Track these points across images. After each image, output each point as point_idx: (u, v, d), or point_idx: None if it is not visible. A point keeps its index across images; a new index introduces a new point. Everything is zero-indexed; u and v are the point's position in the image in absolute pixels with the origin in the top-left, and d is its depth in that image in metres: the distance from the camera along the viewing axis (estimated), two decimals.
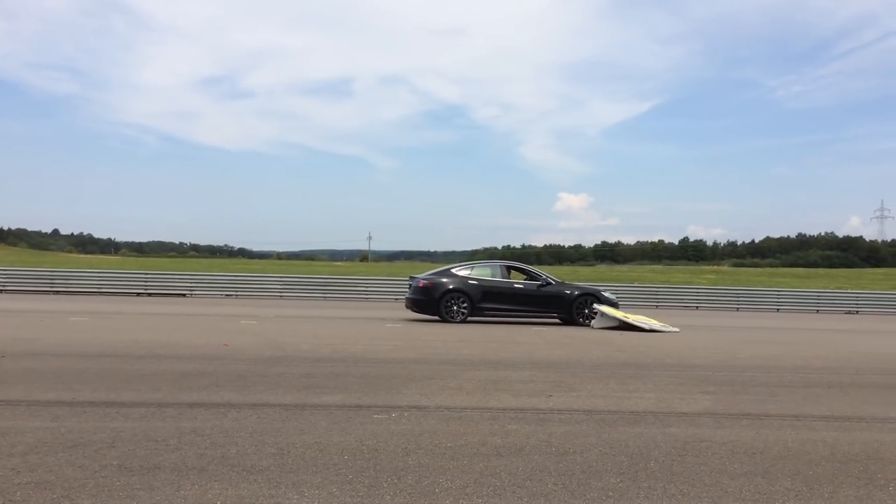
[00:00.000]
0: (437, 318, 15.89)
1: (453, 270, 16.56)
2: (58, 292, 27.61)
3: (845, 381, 8.04)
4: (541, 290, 16.25)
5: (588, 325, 15.70)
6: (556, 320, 16.57)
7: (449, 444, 4.54)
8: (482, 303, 15.88)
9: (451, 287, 15.85)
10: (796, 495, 3.71)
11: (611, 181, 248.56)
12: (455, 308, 15.76)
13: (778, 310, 30.97)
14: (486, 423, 5.21)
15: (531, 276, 16.94)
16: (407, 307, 16.79)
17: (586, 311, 16.01)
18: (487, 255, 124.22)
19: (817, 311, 31.03)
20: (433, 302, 15.88)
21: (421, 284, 16.23)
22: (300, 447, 4.35)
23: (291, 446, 4.37)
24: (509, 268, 16.98)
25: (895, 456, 4.60)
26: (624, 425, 5.28)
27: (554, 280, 16.70)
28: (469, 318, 15.82)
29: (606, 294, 16.75)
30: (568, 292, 16.29)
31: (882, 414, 6.11)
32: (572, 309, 16.06)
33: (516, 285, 16.38)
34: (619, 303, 17.38)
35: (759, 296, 33.35)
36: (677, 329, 15.44)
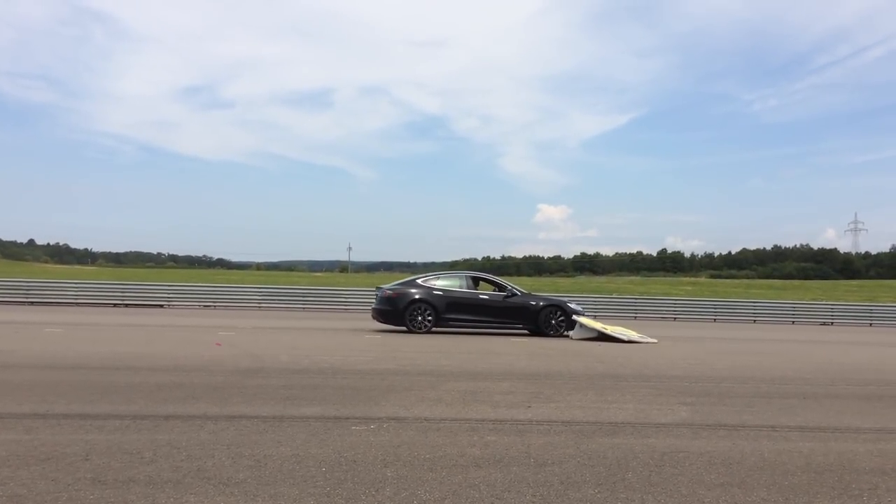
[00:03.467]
0: (403, 328, 15.83)
1: (419, 281, 16.55)
2: (33, 303, 27.24)
3: (820, 392, 8.12)
4: (506, 301, 16.22)
5: (553, 336, 15.73)
6: (525, 332, 16.52)
7: (427, 456, 4.53)
8: (447, 313, 15.88)
9: (415, 297, 15.84)
10: None
11: (590, 193, 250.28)
12: (420, 318, 15.72)
13: (754, 321, 31.27)
14: (465, 435, 5.21)
15: (498, 286, 16.93)
16: (373, 317, 16.71)
17: (553, 321, 16.01)
18: (467, 265, 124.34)
19: (793, 322, 31.37)
20: (398, 312, 15.86)
21: (386, 295, 16.23)
22: (277, 459, 4.32)
23: (269, 458, 4.33)
24: (476, 279, 16.98)
25: (870, 466, 4.65)
26: (602, 436, 5.29)
27: (520, 291, 16.67)
28: (434, 329, 15.78)
29: (572, 305, 16.69)
30: (533, 303, 16.26)
31: (856, 424, 6.18)
32: (538, 320, 16.04)
33: (482, 296, 16.36)
34: (598, 315, 17.46)
35: (736, 307, 33.66)
36: (655, 340, 15.53)
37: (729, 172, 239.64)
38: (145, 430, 5.03)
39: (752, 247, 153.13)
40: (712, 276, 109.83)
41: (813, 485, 4.15)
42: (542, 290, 44.31)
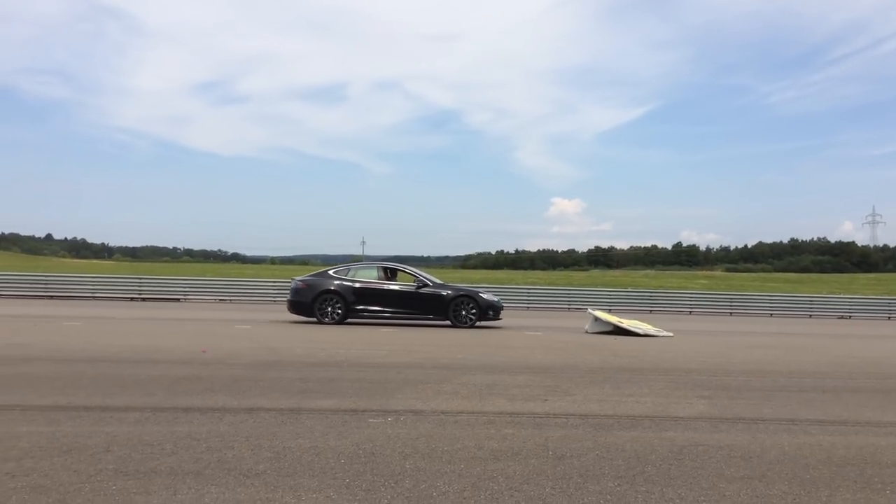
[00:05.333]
0: (313, 319, 15.83)
1: (331, 272, 16.55)
2: (52, 297, 27.49)
3: (839, 386, 8.06)
4: (418, 291, 16.13)
5: (464, 327, 15.66)
6: (447, 323, 16.18)
7: (446, 448, 4.53)
8: (356, 304, 15.88)
9: (324, 289, 15.86)
10: (793, 499, 3.72)
11: (604, 186, 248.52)
12: (329, 310, 15.74)
13: (771, 315, 31.05)
14: (483, 428, 5.21)
15: (414, 277, 16.72)
16: (287, 309, 16.71)
17: (463, 312, 15.91)
18: (480, 259, 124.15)
19: (810, 315, 31.12)
20: (308, 304, 15.91)
21: (296, 286, 16.31)
22: (296, 451, 4.34)
23: (288, 450, 4.35)
24: (392, 270, 16.89)
25: (891, 460, 4.61)
26: (620, 429, 5.28)
27: (432, 281, 16.55)
28: (346, 321, 15.82)
29: (485, 296, 16.53)
30: (444, 293, 16.13)
31: (877, 418, 6.13)
32: (448, 310, 15.94)
33: (392, 287, 16.25)
34: (612, 309, 17.30)
35: (753, 301, 33.42)
36: (671, 334, 15.46)
37: (745, 165, 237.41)
38: (165, 422, 5.07)
39: (769, 240, 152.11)
40: (728, 270, 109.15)
41: (834, 478, 4.12)
42: (556, 283, 44.27)
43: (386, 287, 16.15)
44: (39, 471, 3.80)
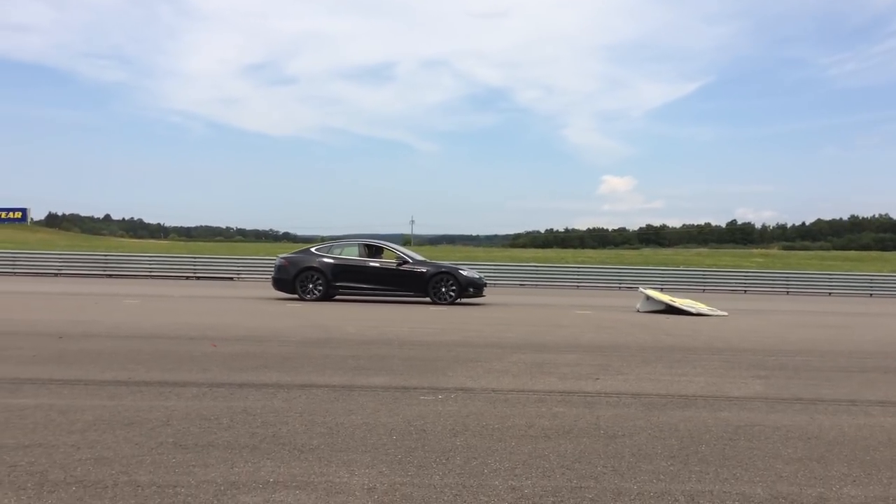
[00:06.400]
0: (295, 296, 16.04)
1: (313, 249, 16.73)
2: (111, 276, 28.33)
3: None
4: (398, 268, 16.21)
5: (442, 304, 15.69)
6: (428, 300, 16.23)
7: (496, 426, 4.54)
8: (337, 281, 16.04)
9: (306, 266, 16.04)
10: (853, 481, 3.63)
11: (656, 163, 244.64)
12: (310, 286, 15.95)
13: (829, 294, 30.25)
14: (533, 406, 5.20)
15: (396, 254, 16.77)
16: (272, 286, 16.89)
17: (442, 289, 15.97)
18: (529, 238, 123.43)
19: (871, 294, 30.23)
20: (290, 280, 16.13)
21: (279, 263, 16.54)
22: (349, 427, 4.40)
23: (340, 426, 4.41)
24: (374, 247, 16.92)
25: None
26: (673, 409, 5.21)
27: (413, 258, 16.62)
28: (328, 297, 16.03)
29: (464, 272, 16.50)
30: (424, 270, 16.19)
31: None
32: (427, 287, 16.01)
33: (372, 264, 16.31)
34: (664, 288, 17.05)
35: (810, 279, 32.56)
36: (725, 313, 15.18)
37: (802, 140, 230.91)
38: (221, 398, 5.19)
39: (827, 217, 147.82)
40: (785, 248, 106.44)
41: None
42: (607, 262, 43.77)
43: (367, 264, 16.32)
44: (103, 443, 3.93)
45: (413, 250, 18.74)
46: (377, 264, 16.35)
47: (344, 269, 16.14)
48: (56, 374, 5.94)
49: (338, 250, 16.67)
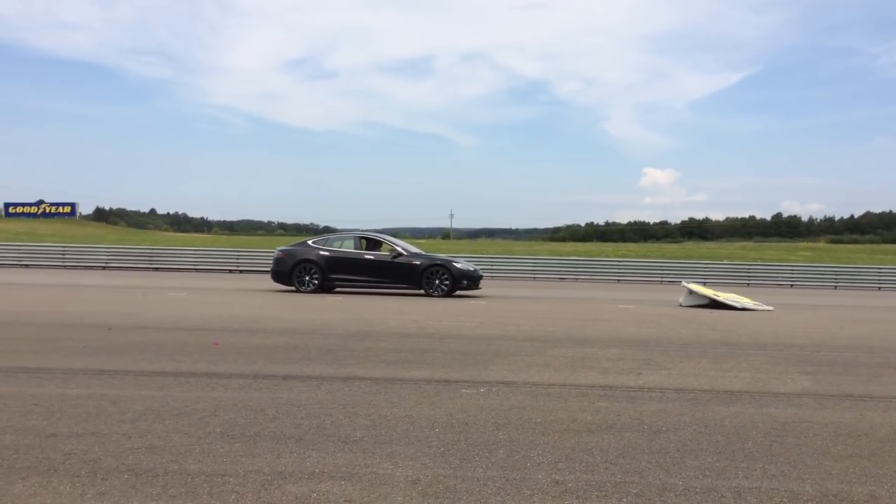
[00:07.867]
0: (292, 288, 16.22)
1: (310, 243, 16.98)
2: (157, 269, 28.92)
3: None
4: (392, 261, 16.28)
5: (436, 296, 15.69)
6: (422, 292, 16.27)
7: (538, 420, 4.54)
8: (332, 273, 16.22)
9: (302, 258, 16.26)
10: None
11: (698, 156, 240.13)
12: (306, 278, 16.16)
13: (879, 288, 29.50)
14: (575, 400, 5.18)
15: (391, 247, 16.76)
16: (271, 279, 17.11)
17: (435, 281, 16.00)
18: (569, 232, 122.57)
19: None
20: (286, 272, 16.39)
21: (277, 256, 16.81)
22: (392, 419, 4.43)
23: (383, 418, 4.45)
24: (368, 239, 17.02)
25: None
26: (718, 405, 5.14)
27: (408, 251, 16.64)
28: (326, 289, 16.21)
29: (458, 265, 16.43)
30: (417, 263, 16.23)
31: None
32: (421, 280, 16.05)
33: (367, 256, 16.41)
34: (707, 282, 16.83)
35: (859, 273, 31.80)
36: (771, 308, 14.91)
37: (851, 131, 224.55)
38: (266, 389, 5.27)
39: (877, 209, 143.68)
40: (832, 241, 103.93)
41: None
42: (648, 255, 43.25)
43: (362, 257, 16.45)
44: (153, 432, 4.03)
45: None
46: (372, 257, 16.54)
47: (339, 262, 16.36)
48: (106, 365, 6.10)
49: (336, 243, 16.93)
